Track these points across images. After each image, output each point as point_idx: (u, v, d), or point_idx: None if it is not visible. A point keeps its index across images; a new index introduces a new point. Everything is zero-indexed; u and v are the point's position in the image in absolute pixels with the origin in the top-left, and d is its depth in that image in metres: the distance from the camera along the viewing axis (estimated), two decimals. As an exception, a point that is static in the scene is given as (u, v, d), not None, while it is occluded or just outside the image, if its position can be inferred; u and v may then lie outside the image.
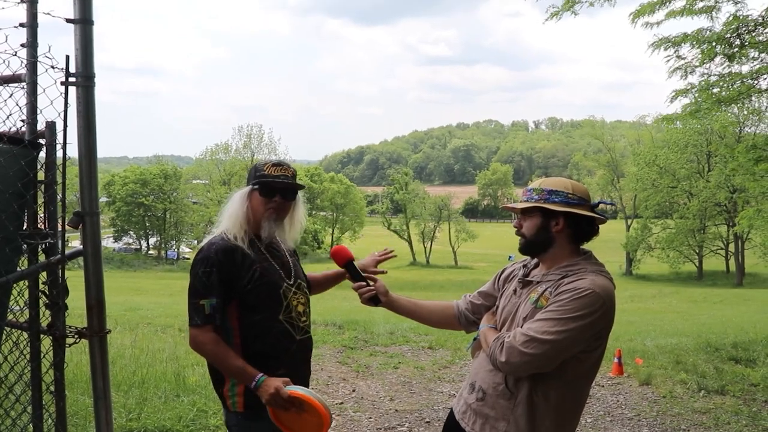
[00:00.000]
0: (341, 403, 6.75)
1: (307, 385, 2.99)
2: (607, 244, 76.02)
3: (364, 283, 2.99)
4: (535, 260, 2.76)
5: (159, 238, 71.82)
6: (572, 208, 2.57)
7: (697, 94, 8.68)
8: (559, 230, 2.60)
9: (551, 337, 2.39)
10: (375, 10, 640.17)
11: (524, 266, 2.81)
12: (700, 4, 7.78)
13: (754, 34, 7.53)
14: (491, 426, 2.58)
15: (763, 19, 7.36)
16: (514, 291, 2.71)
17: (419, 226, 74.49)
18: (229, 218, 2.88)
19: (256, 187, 2.88)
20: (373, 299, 2.97)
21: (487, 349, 2.59)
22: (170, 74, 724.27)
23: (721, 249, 59.23)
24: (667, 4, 7.87)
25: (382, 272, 3.24)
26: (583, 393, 2.65)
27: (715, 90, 8.57)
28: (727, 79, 8.28)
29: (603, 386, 7.61)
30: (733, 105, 9.26)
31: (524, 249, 2.70)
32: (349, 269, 3.02)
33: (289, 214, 2.98)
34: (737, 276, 55.10)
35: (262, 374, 2.70)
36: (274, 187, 2.87)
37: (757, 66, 8.13)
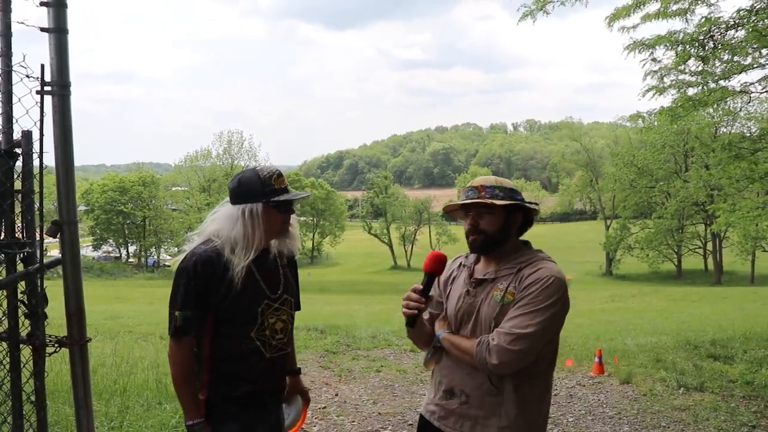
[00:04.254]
0: (324, 407, 6.75)
1: (279, 402, 3.00)
2: (587, 244, 76.74)
3: (424, 300, 2.65)
4: (474, 257, 2.81)
5: (139, 246, 71.30)
6: (527, 204, 2.70)
7: (673, 97, 8.76)
8: (517, 225, 2.71)
9: (533, 330, 2.47)
10: (345, 14, 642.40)
11: (462, 265, 2.85)
12: (675, 7, 7.87)
13: (726, 37, 7.63)
14: (482, 425, 2.62)
15: (734, 22, 7.46)
16: (467, 291, 2.72)
17: (400, 230, 74.71)
18: (234, 242, 2.70)
19: (272, 204, 2.72)
20: (413, 320, 2.69)
21: (461, 354, 2.63)
22: (147, 81, 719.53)
23: (700, 248, 59.89)
24: (642, 7, 7.95)
25: None
26: (552, 372, 2.77)
27: (691, 91, 8.66)
28: (701, 78, 8.37)
29: (584, 385, 7.67)
30: (708, 107, 9.36)
31: (484, 247, 2.70)
32: (429, 280, 2.67)
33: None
34: (715, 274, 55.74)
35: (201, 420, 2.68)
36: (289, 201, 2.76)
37: (731, 67, 8.24)
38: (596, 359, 8.30)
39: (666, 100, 9.00)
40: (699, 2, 7.76)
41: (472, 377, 2.64)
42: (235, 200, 2.75)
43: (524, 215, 2.73)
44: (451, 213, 2.85)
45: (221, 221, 2.76)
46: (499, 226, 2.67)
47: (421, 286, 2.66)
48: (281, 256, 2.92)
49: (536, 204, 2.76)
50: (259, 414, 2.85)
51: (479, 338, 2.58)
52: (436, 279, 2.77)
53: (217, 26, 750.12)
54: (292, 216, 2.87)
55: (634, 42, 8.16)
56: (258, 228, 2.71)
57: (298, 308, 3.09)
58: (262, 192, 2.71)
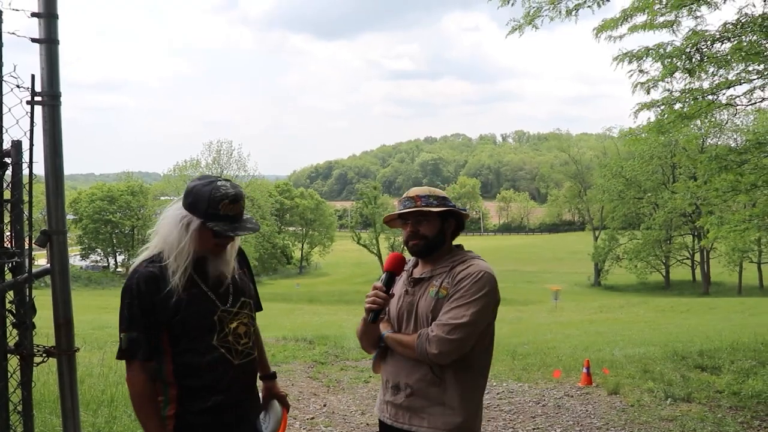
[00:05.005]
0: (312, 418, 6.75)
1: (255, 414, 2.93)
2: (575, 255, 76.94)
3: (387, 297, 2.88)
4: (413, 261, 3.07)
5: (127, 256, 70.98)
6: (459, 210, 2.99)
7: (660, 110, 8.82)
8: (451, 230, 2.99)
9: (468, 319, 2.72)
10: (334, 24, 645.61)
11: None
12: (661, 19, 7.95)
13: (712, 50, 7.70)
14: (428, 413, 2.83)
15: (720, 35, 7.54)
16: (406, 291, 2.97)
17: (389, 240, 74.58)
18: (170, 249, 2.64)
19: (208, 227, 2.60)
20: (377, 314, 2.88)
21: (404, 349, 2.85)
22: (136, 90, 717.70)
23: (687, 259, 60.22)
24: (629, 19, 8.03)
25: None
26: (489, 361, 2.98)
27: (678, 106, 8.72)
28: (689, 94, 8.44)
29: (572, 396, 7.69)
30: (695, 119, 9.43)
31: (425, 250, 2.95)
32: (389, 279, 2.89)
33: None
34: (703, 285, 56.06)
35: None
36: (226, 231, 2.61)
37: (717, 81, 8.31)
38: (584, 370, 8.32)
39: (654, 114, 9.09)
40: (686, 15, 7.84)
41: (414, 370, 2.85)
42: (183, 203, 2.68)
43: (456, 220, 3.00)
44: (389, 224, 3.10)
45: (166, 220, 2.70)
46: (437, 231, 2.93)
47: (383, 285, 2.89)
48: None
49: (465, 210, 3.05)
50: (233, 425, 2.78)
51: (419, 332, 2.81)
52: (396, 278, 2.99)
53: (205, 36, 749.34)
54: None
55: (623, 53, 8.23)
56: (190, 242, 2.62)
57: (259, 309, 3.03)
58: (205, 211, 2.60)
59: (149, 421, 2.65)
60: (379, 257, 74.92)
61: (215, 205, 2.58)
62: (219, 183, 2.63)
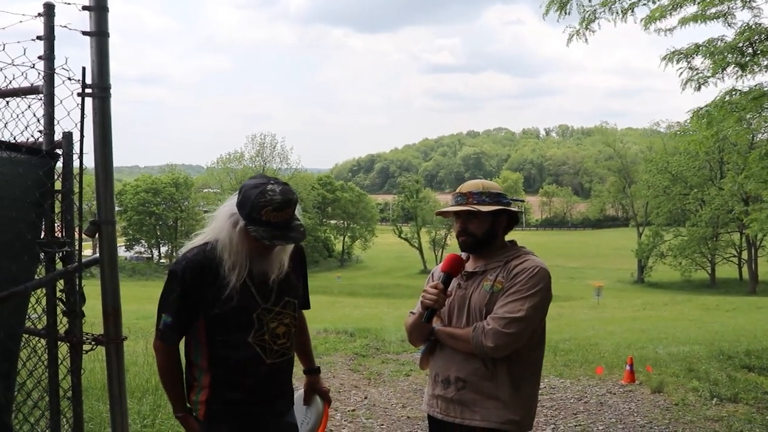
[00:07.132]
0: (353, 410, 6.77)
1: (286, 410, 2.91)
2: (619, 251, 76.01)
3: (444, 297, 2.88)
4: (465, 255, 3.04)
5: (170, 247, 72.01)
6: (510, 207, 2.98)
7: (711, 109, 8.60)
8: (503, 226, 2.99)
9: (524, 314, 2.73)
10: (374, 17, 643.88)
11: None
12: (713, 10, 7.75)
13: (767, 43, 7.49)
14: (481, 407, 2.81)
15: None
16: (459, 285, 2.96)
17: (430, 234, 74.53)
18: (223, 245, 2.63)
19: (249, 230, 2.56)
20: (432, 313, 2.88)
21: (456, 342, 2.85)
22: (178, 84, 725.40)
23: (734, 256, 58.92)
24: (679, 9, 7.84)
25: None
26: (542, 355, 3.01)
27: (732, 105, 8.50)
28: (743, 96, 8.22)
29: (615, 393, 7.60)
30: (746, 113, 9.17)
31: (473, 247, 2.97)
32: (447, 280, 2.90)
33: None
34: (750, 284, 54.77)
35: (183, 414, 2.78)
36: (268, 237, 2.55)
37: None
38: (627, 367, 8.22)
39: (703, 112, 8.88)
40: (740, 6, 7.62)
41: (467, 363, 2.84)
42: (237, 199, 2.65)
43: (509, 215, 2.99)
44: (442, 215, 3.10)
45: (220, 214, 2.70)
46: (486, 229, 2.93)
47: (442, 285, 2.88)
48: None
49: (522, 201, 2.98)
50: (260, 419, 2.80)
51: (474, 325, 2.81)
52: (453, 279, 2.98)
53: (246, 32, 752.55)
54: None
55: (671, 52, 8.05)
56: (240, 241, 2.61)
57: (307, 307, 3.02)
58: (248, 215, 2.55)
59: (170, 392, 2.83)
60: (420, 251, 74.99)
61: (258, 210, 2.52)
62: (269, 187, 2.53)
